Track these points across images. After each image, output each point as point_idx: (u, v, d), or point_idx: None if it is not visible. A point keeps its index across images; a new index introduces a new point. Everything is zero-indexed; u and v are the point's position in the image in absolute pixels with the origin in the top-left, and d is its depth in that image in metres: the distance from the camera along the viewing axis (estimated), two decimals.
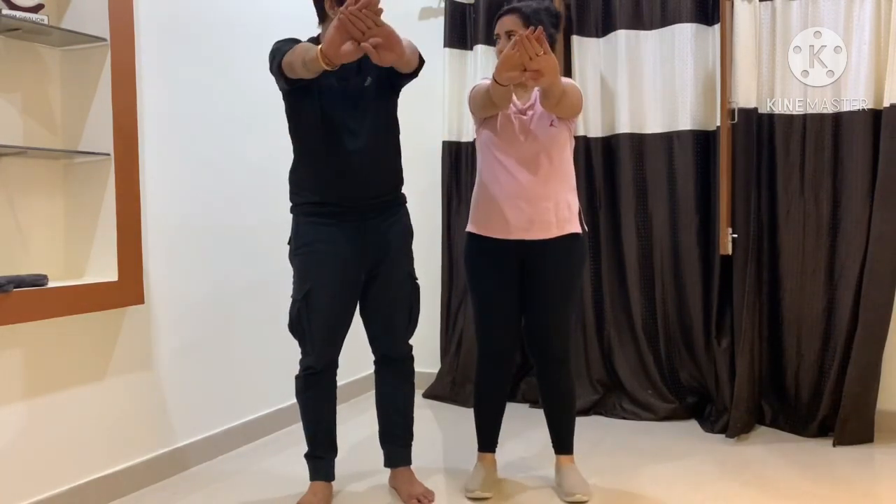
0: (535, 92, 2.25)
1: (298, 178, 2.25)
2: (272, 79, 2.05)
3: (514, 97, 2.29)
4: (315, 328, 2.19)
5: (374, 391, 2.44)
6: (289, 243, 2.26)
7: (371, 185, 2.20)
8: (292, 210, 2.26)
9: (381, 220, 2.22)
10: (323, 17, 2.21)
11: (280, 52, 2.05)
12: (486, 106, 2.22)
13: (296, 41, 2.14)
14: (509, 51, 1.95)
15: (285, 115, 2.21)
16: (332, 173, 2.17)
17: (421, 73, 2.20)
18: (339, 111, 2.14)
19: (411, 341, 2.38)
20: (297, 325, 2.21)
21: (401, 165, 2.33)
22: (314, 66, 1.90)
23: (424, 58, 2.17)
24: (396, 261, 2.26)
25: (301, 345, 2.24)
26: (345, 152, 2.14)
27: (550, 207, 2.24)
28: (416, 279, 2.34)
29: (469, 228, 2.38)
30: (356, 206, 2.18)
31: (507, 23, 2.24)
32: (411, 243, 2.33)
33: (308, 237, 2.20)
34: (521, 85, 2.07)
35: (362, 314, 2.31)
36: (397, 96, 2.28)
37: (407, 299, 2.29)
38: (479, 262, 2.36)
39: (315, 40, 2.15)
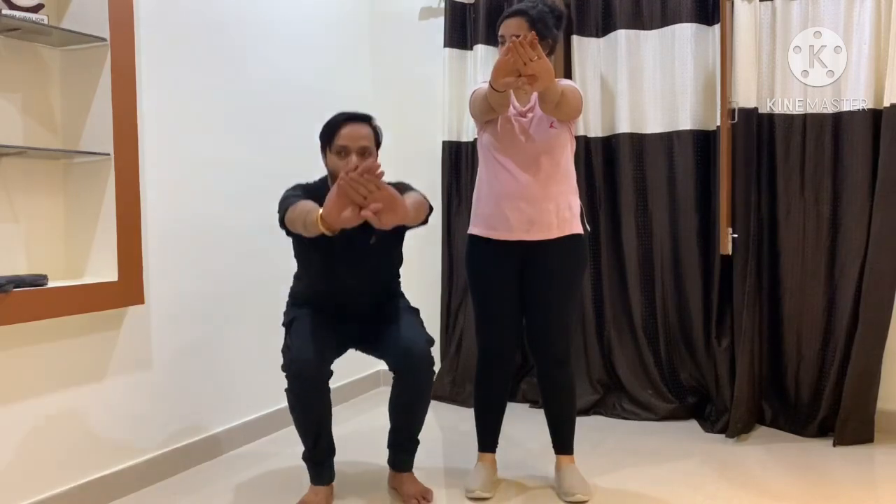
0: (535, 94, 2.25)
1: (297, 290, 2.39)
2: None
3: (514, 100, 2.29)
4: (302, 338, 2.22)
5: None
6: (283, 325, 2.34)
7: (369, 303, 2.31)
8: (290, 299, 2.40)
9: (376, 317, 2.32)
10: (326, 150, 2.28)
11: (284, 206, 2.10)
12: (485, 111, 2.22)
13: (304, 188, 2.20)
14: (503, 56, 1.96)
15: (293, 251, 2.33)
16: (332, 302, 2.28)
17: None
18: (342, 265, 2.20)
19: None
20: (285, 344, 2.26)
21: (398, 275, 2.44)
22: (313, 230, 1.92)
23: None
24: (394, 330, 2.29)
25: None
26: (345, 289, 2.26)
27: (551, 208, 2.24)
28: (417, 311, 2.41)
29: (470, 230, 2.38)
30: (352, 313, 2.31)
31: (512, 26, 2.22)
32: (413, 311, 2.39)
33: (301, 316, 2.27)
34: (521, 89, 2.08)
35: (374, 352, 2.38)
36: (404, 236, 2.36)
37: (417, 341, 2.24)
38: (480, 263, 2.36)
39: (321, 186, 2.22)
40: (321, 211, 1.84)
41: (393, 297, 2.41)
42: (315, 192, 2.16)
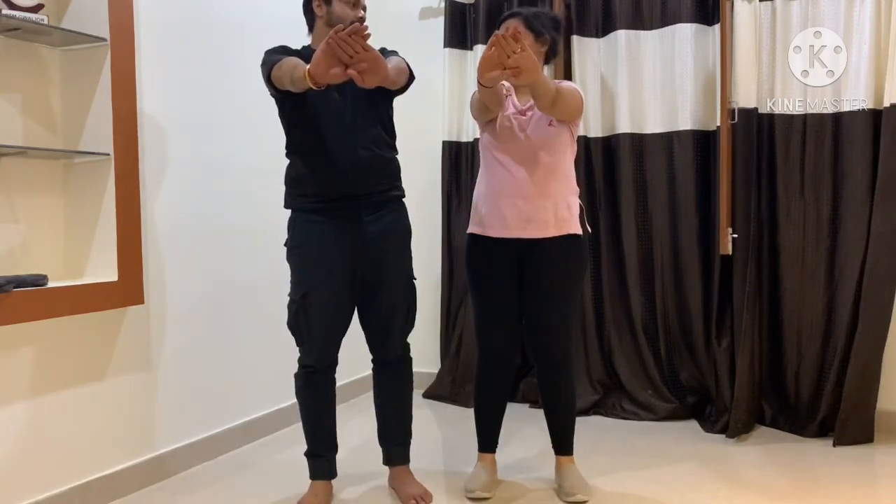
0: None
1: (292, 178, 2.26)
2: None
3: (515, 98, 2.30)
4: (313, 328, 2.19)
5: (373, 390, 2.44)
6: (285, 244, 2.26)
7: (365, 184, 2.19)
8: (288, 207, 2.27)
9: (378, 218, 2.22)
10: (312, 27, 2.25)
11: (269, 63, 2.08)
12: (482, 109, 2.24)
13: (286, 50, 2.17)
14: (487, 51, 1.96)
15: (278, 117, 2.22)
16: (325, 173, 2.18)
17: (421, 74, 2.21)
18: (331, 115, 2.15)
19: (411, 340, 2.38)
20: (296, 325, 2.22)
21: (397, 163, 2.32)
22: (301, 85, 1.94)
23: (417, 70, 2.23)
24: (394, 260, 2.26)
25: (300, 344, 2.24)
26: (336, 153, 2.15)
27: (549, 206, 2.24)
28: (414, 279, 2.34)
29: (469, 229, 2.38)
30: (351, 205, 2.19)
31: (509, 27, 2.24)
32: (410, 242, 2.33)
33: (303, 237, 2.20)
34: (520, 89, 2.09)
35: (359, 315, 2.31)
36: (391, 101, 2.29)
37: (405, 300, 2.29)
38: (480, 262, 2.36)
39: (305, 52, 2.18)
40: (309, 67, 1.89)
41: (393, 192, 2.28)
42: (298, 55, 2.16)
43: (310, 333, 2.20)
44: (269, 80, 2.08)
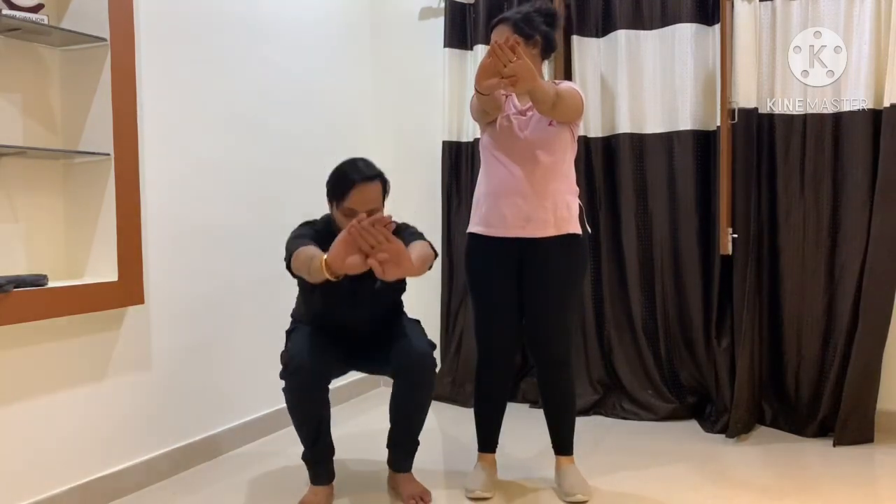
0: None
1: (298, 311, 2.39)
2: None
3: (515, 99, 2.30)
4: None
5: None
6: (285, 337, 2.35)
7: (370, 328, 2.33)
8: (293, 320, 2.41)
9: (378, 333, 2.33)
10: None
11: (291, 247, 2.11)
12: (481, 113, 2.26)
13: (310, 228, 2.21)
14: (485, 60, 1.98)
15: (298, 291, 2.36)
16: (333, 324, 2.29)
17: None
18: (345, 303, 2.21)
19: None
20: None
21: (401, 301, 2.44)
22: (318, 276, 1.93)
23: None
24: (396, 339, 2.29)
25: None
26: (347, 319, 2.28)
27: (548, 206, 2.24)
28: (418, 321, 2.42)
29: (469, 229, 2.38)
30: (353, 331, 2.32)
31: (498, 34, 2.26)
32: (410, 319, 2.41)
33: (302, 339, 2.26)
34: (504, 90, 2.09)
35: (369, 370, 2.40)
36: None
37: (418, 347, 2.25)
38: (479, 262, 2.36)
39: (325, 229, 2.21)
40: (326, 256, 1.86)
41: (395, 315, 2.42)
42: (320, 234, 2.17)
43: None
44: (288, 268, 2.13)
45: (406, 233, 2.25)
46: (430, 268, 2.17)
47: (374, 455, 2.47)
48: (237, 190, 2.86)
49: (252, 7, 2.95)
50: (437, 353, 2.29)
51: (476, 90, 2.08)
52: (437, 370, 2.30)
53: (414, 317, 2.45)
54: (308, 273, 1.98)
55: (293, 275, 2.15)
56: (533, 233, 2.25)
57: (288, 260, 2.10)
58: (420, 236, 2.25)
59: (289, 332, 2.34)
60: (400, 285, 2.33)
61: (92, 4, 2.20)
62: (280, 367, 2.21)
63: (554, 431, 2.43)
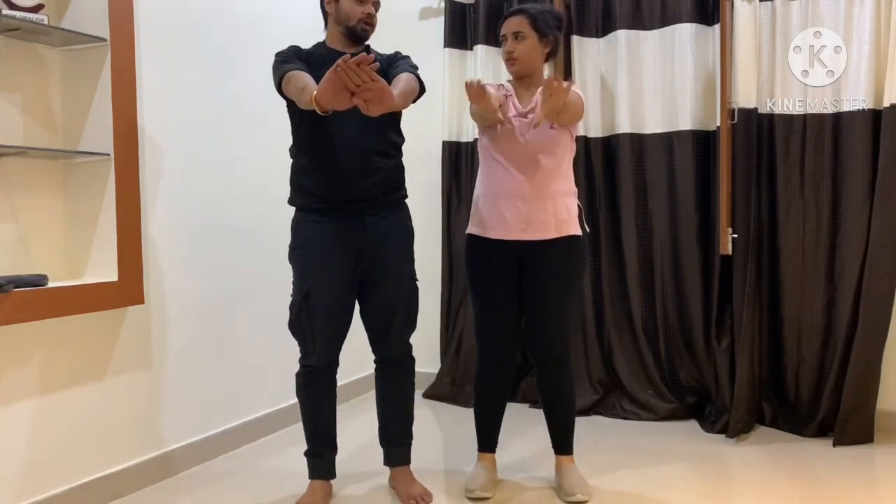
0: (537, 95, 2.25)
1: (297, 178, 2.26)
2: (271, 79, 2.06)
3: (516, 100, 2.30)
4: (315, 328, 2.19)
5: (373, 391, 2.44)
6: (290, 259, 2.28)
7: (369, 187, 2.20)
8: (292, 204, 2.28)
9: (381, 220, 2.22)
10: (326, 22, 2.27)
11: (279, 73, 2.10)
12: (480, 118, 2.25)
13: (296, 53, 2.18)
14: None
15: (286, 115, 2.22)
16: (329, 175, 2.18)
17: (421, 74, 2.22)
18: (339, 119, 2.13)
19: (412, 341, 2.38)
20: (297, 324, 2.22)
21: (402, 166, 2.33)
22: (306, 107, 1.97)
23: (423, 76, 2.24)
24: (396, 261, 2.26)
25: (301, 344, 2.25)
26: (341, 157, 2.16)
27: (548, 208, 2.24)
28: (416, 280, 2.34)
29: (469, 230, 2.38)
30: (354, 205, 2.19)
31: (514, 23, 2.25)
32: (412, 244, 2.33)
33: (305, 237, 2.21)
34: (522, 92, 2.10)
35: (362, 314, 2.31)
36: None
37: (406, 300, 2.29)
38: (479, 263, 2.36)
39: (317, 51, 2.21)
40: (315, 93, 1.90)
41: (396, 194, 2.29)
42: (309, 56, 2.19)
43: (311, 333, 2.20)
44: (279, 89, 2.11)
45: (398, 61, 2.26)
46: (414, 101, 2.17)
47: (374, 455, 2.47)
48: (237, 190, 2.86)
49: (252, 7, 2.95)
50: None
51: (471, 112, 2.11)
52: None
53: (416, 314, 2.39)
54: (298, 100, 2.02)
55: (284, 96, 2.14)
56: (533, 235, 2.25)
57: (278, 82, 2.10)
58: (411, 68, 2.23)
59: (301, 298, 2.20)
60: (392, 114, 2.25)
61: (92, 4, 2.20)
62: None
63: (554, 431, 2.43)
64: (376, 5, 2.25)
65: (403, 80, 2.12)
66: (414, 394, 2.41)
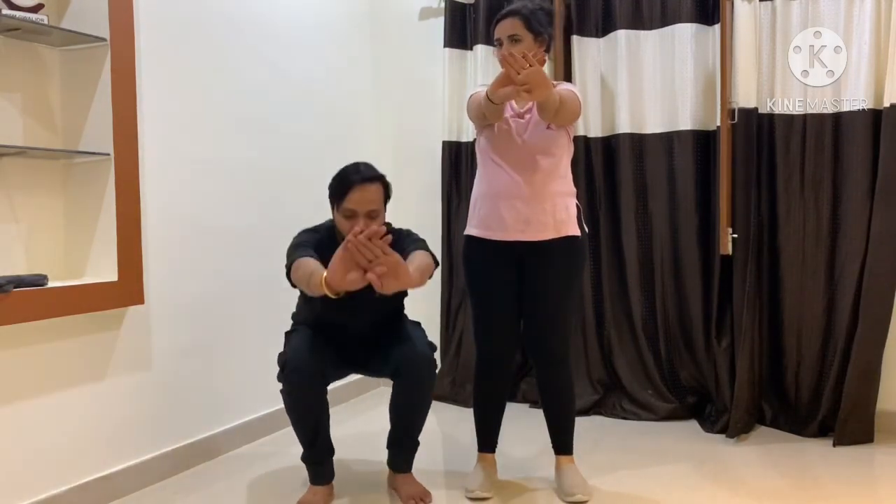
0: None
1: (299, 316, 2.38)
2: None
3: (513, 101, 2.29)
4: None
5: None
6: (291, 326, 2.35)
7: (371, 330, 2.31)
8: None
9: (378, 336, 2.32)
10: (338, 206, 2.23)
11: (292, 257, 2.11)
12: (479, 117, 2.24)
13: (312, 236, 2.19)
14: (503, 70, 1.96)
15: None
16: (334, 330, 2.27)
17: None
18: (346, 309, 2.16)
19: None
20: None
21: (402, 305, 2.42)
22: (317, 292, 1.93)
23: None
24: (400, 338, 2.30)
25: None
26: (348, 322, 2.27)
27: (547, 209, 2.24)
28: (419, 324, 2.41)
29: (467, 231, 2.38)
30: (354, 333, 2.30)
31: (508, 26, 2.23)
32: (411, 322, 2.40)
33: (301, 340, 2.25)
34: (519, 98, 2.09)
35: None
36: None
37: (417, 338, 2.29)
38: (478, 263, 2.36)
39: (326, 234, 2.22)
40: (325, 275, 1.87)
41: (395, 318, 2.41)
42: (322, 242, 2.17)
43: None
44: (288, 277, 2.13)
45: (407, 240, 2.24)
46: (430, 277, 2.15)
47: (374, 455, 2.47)
48: (237, 190, 2.86)
49: (252, 7, 2.95)
50: (437, 354, 2.29)
51: (489, 99, 2.06)
52: (437, 371, 2.30)
53: (414, 318, 2.45)
54: (307, 288, 1.98)
55: (293, 285, 2.15)
56: (532, 236, 2.25)
57: (288, 269, 2.10)
58: (422, 244, 2.23)
59: (288, 334, 2.33)
60: (400, 293, 2.31)
61: (92, 4, 2.20)
62: (277, 369, 2.21)
63: (553, 431, 2.43)
64: (371, 214, 2.14)
65: (419, 256, 2.11)
66: (428, 405, 2.32)
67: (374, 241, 1.78)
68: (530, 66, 1.91)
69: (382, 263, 1.81)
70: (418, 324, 2.40)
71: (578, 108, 2.24)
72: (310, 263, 2.00)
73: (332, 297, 1.89)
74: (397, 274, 1.84)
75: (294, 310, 2.46)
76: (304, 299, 2.35)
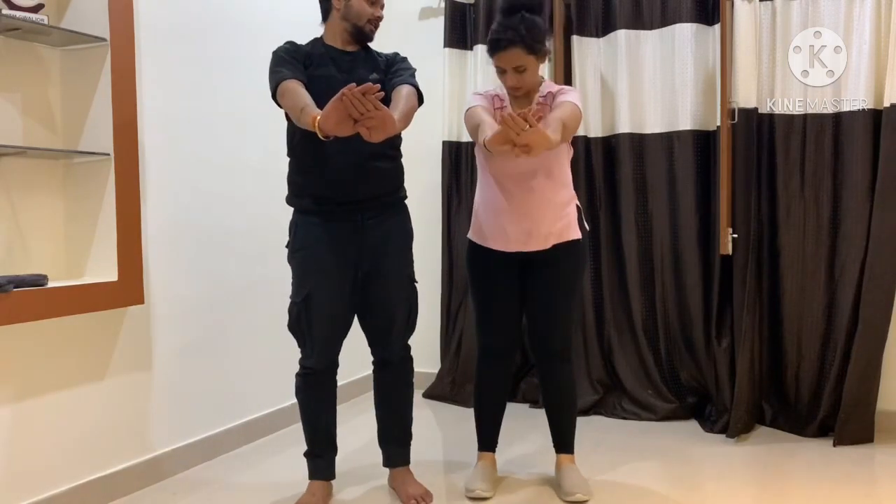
0: (534, 105, 2.24)
1: (294, 178, 2.25)
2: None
3: (511, 110, 2.28)
4: (315, 331, 2.19)
5: (372, 391, 2.44)
6: (287, 246, 2.26)
7: (369, 186, 2.19)
8: (290, 205, 2.27)
9: (380, 221, 2.21)
10: (326, 16, 2.25)
11: (276, 77, 2.08)
12: (477, 138, 2.21)
13: (294, 54, 2.15)
14: (503, 127, 1.93)
15: (284, 116, 2.21)
16: (326, 179, 2.16)
17: (421, 74, 2.22)
18: (337, 144, 2.10)
19: (411, 341, 2.37)
20: (297, 327, 2.21)
21: (401, 167, 2.32)
22: (307, 128, 1.96)
23: (417, 71, 2.23)
24: (395, 262, 2.25)
25: (301, 346, 2.24)
26: (339, 160, 2.14)
27: (548, 219, 2.24)
28: (416, 282, 2.33)
29: (470, 235, 2.38)
30: (354, 207, 2.18)
31: (512, 58, 2.18)
32: (411, 245, 2.32)
33: (305, 240, 2.20)
34: (517, 100, 2.08)
35: (360, 317, 2.30)
36: None
37: (405, 303, 2.28)
38: (480, 266, 2.36)
39: (314, 49, 2.18)
40: (318, 118, 1.90)
41: (396, 195, 2.29)
42: (308, 55, 2.17)
43: (311, 335, 2.20)
44: (274, 97, 2.10)
45: (397, 64, 2.23)
46: (418, 105, 2.18)
47: (374, 455, 2.47)
48: (237, 190, 2.86)
49: (252, 7, 2.95)
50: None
51: (484, 145, 2.06)
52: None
53: (415, 316, 2.38)
54: (297, 120, 2.01)
55: (278, 105, 2.12)
56: (534, 247, 2.25)
57: (273, 90, 2.09)
58: (411, 76, 2.21)
59: (301, 301, 2.19)
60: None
61: (92, 4, 2.20)
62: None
63: (555, 429, 2.43)
64: (382, 6, 2.25)
65: (404, 98, 2.10)
66: (413, 395, 2.41)
67: (368, 96, 1.83)
68: (529, 125, 1.89)
69: (373, 117, 1.86)
70: (411, 277, 2.32)
71: (579, 122, 2.21)
72: (300, 95, 2.03)
73: (322, 138, 1.93)
74: (384, 126, 1.90)
75: (287, 173, 2.29)
76: (293, 152, 2.26)
